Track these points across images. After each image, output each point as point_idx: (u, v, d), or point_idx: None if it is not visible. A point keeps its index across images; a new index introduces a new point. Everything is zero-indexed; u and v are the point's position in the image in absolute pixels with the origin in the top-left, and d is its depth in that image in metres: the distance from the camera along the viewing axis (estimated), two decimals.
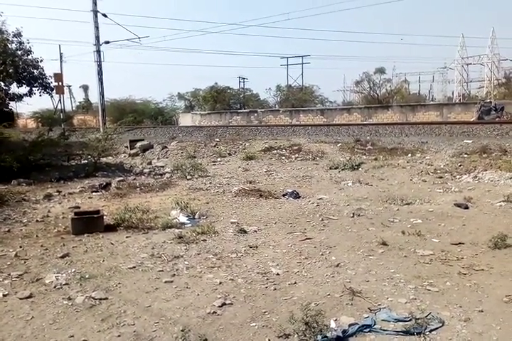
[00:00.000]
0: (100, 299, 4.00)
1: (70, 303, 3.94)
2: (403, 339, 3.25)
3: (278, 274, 4.57)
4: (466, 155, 12.08)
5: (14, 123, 31.73)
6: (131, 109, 38.86)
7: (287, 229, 6.39)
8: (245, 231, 6.24)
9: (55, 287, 4.32)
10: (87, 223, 6.40)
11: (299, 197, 8.87)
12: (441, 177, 10.25)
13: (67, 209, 8.00)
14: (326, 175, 11.55)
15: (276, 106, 45.30)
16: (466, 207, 7.43)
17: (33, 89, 19.79)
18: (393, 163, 12.24)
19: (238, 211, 7.68)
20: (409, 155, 13.22)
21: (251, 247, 5.51)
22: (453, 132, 15.75)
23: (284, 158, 14.52)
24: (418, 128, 17.14)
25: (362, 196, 8.63)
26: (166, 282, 4.41)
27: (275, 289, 4.19)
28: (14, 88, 19.32)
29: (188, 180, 11.40)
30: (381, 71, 44.32)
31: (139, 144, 17.77)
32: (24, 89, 19.52)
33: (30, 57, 18.21)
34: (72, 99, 63.14)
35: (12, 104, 24.58)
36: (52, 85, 21.97)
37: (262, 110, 34.91)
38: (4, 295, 4.15)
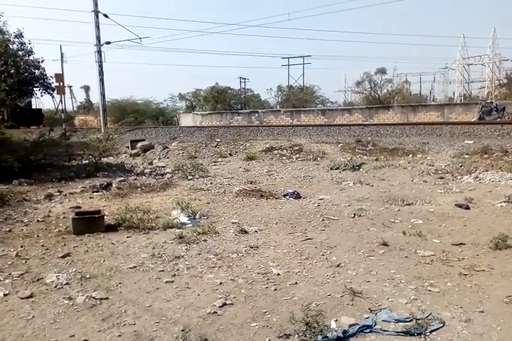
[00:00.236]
0: (101, 299, 4.00)
1: (70, 303, 3.94)
2: (404, 339, 3.25)
3: (279, 274, 4.57)
4: (467, 156, 12.07)
5: (43, 121, 31.71)
6: (132, 109, 38.91)
7: (288, 230, 6.39)
8: (246, 232, 6.24)
9: (55, 287, 4.32)
10: (88, 223, 6.40)
11: (299, 198, 8.87)
12: (442, 178, 10.24)
13: (68, 209, 8.01)
14: (326, 175, 11.54)
15: (277, 106, 45.36)
16: (467, 208, 7.43)
17: (34, 89, 19.85)
18: (394, 164, 12.23)
19: (239, 211, 7.68)
20: (410, 155, 13.21)
21: (252, 247, 5.51)
22: (454, 132, 15.73)
23: (284, 158, 14.51)
24: (419, 128, 17.12)
25: (363, 196, 8.63)
26: (166, 282, 4.41)
27: (276, 289, 4.19)
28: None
29: (188, 180, 11.40)
30: (382, 71, 44.43)
31: (140, 144, 17.77)
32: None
33: (31, 57, 18.27)
34: (73, 99, 63.37)
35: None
36: (53, 85, 22.05)
37: (263, 110, 34.91)
38: (5, 295, 4.15)
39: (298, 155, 14.75)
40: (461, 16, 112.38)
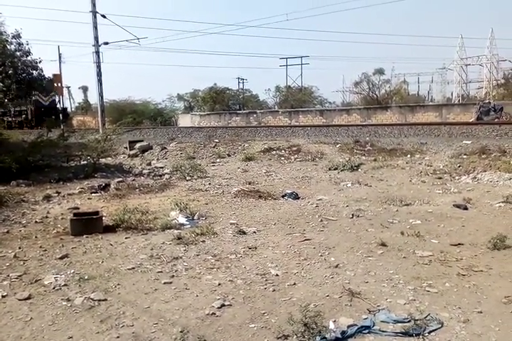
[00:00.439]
0: (99, 300, 4.00)
1: (69, 304, 3.93)
2: (402, 340, 3.25)
3: (277, 275, 4.57)
4: (465, 156, 12.09)
5: (69, 120, 31.38)
6: (130, 109, 38.88)
7: (286, 230, 6.39)
8: (244, 232, 6.24)
9: (54, 288, 4.32)
10: (86, 224, 6.39)
11: (298, 198, 8.87)
12: (440, 178, 10.25)
13: (67, 210, 7.99)
14: (325, 175, 11.54)
15: (276, 106, 45.37)
16: (466, 208, 7.43)
17: (32, 90, 19.82)
18: (392, 164, 12.24)
19: (237, 212, 7.68)
20: (409, 156, 13.22)
21: (250, 248, 5.51)
22: (452, 133, 15.76)
23: (283, 158, 14.52)
24: (417, 128, 17.15)
25: (361, 197, 8.64)
26: (165, 283, 4.41)
27: (274, 290, 4.19)
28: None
29: (187, 180, 11.39)
30: (380, 72, 44.42)
31: (138, 145, 17.75)
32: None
33: (29, 58, 18.23)
34: (72, 99, 63.30)
35: None
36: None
37: (261, 111, 34.95)
38: (3, 296, 4.14)
39: (296, 155, 14.75)
40: (458, 17, 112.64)
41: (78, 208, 8.10)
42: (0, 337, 3.40)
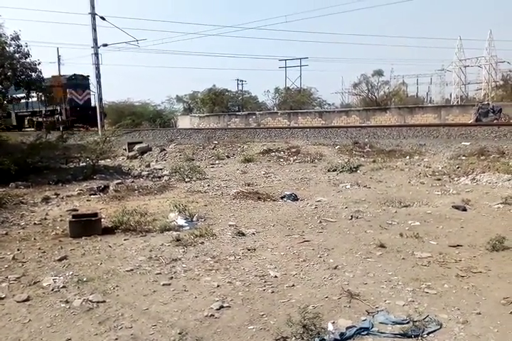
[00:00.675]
0: (98, 302, 3.99)
1: (67, 306, 3.93)
2: None
3: (276, 277, 4.57)
4: (464, 158, 12.10)
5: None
6: (129, 111, 38.83)
7: (285, 232, 6.39)
8: (243, 234, 6.24)
9: (52, 290, 4.31)
10: (85, 226, 6.39)
11: (297, 200, 8.87)
12: (439, 180, 10.25)
13: (65, 211, 7.99)
14: (324, 177, 11.54)
15: (275, 108, 45.37)
16: (464, 209, 7.44)
17: (31, 92, 19.79)
18: (391, 165, 12.25)
19: (236, 213, 7.68)
20: (408, 157, 13.22)
21: (249, 250, 5.51)
22: (451, 134, 15.77)
23: (282, 160, 14.51)
24: (416, 130, 17.14)
25: (360, 198, 8.64)
26: (163, 285, 4.41)
27: (273, 292, 4.19)
28: (12, 90, 19.39)
29: (186, 182, 11.39)
30: (379, 73, 44.59)
31: (137, 147, 17.74)
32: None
33: (28, 60, 18.21)
34: None
35: None
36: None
37: (261, 112, 34.91)
38: (1, 298, 4.14)
39: (295, 157, 14.75)
40: (457, 18, 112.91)
41: (77, 210, 8.08)
42: None
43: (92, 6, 22.95)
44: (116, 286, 4.39)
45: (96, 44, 23.49)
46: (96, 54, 23.47)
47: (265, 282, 4.44)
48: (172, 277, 4.63)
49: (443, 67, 59.80)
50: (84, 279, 4.56)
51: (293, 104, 41.87)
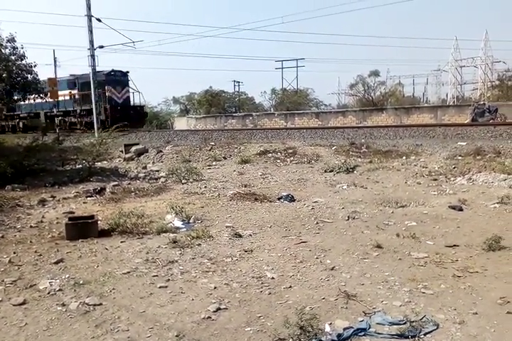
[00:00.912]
0: (94, 305, 3.98)
1: (63, 309, 3.91)
2: None
3: (273, 278, 4.57)
4: (460, 158, 12.12)
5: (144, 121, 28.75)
6: None
7: (282, 233, 6.38)
8: (240, 235, 6.23)
9: (48, 293, 4.30)
10: (82, 228, 6.37)
11: (294, 201, 8.86)
12: (435, 180, 10.27)
13: (62, 214, 7.97)
14: (321, 178, 11.55)
15: (271, 109, 45.50)
16: (461, 209, 7.46)
17: (27, 94, 19.76)
18: (388, 166, 12.26)
19: (233, 215, 7.67)
20: (404, 157, 13.24)
21: (246, 251, 5.50)
22: (447, 134, 15.80)
23: (279, 161, 14.52)
24: (412, 130, 17.17)
25: (357, 199, 8.65)
26: (160, 287, 4.40)
27: (270, 293, 4.19)
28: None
29: (183, 184, 11.37)
30: (375, 74, 44.76)
31: (133, 148, 17.70)
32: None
33: (24, 62, 18.19)
34: None
35: None
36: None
37: (257, 113, 34.94)
38: None
39: (292, 158, 14.75)
40: (453, 18, 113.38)
41: (73, 212, 8.07)
42: None
43: (88, 8, 22.92)
44: (113, 289, 4.37)
45: (92, 46, 23.45)
46: (92, 56, 23.43)
47: (262, 283, 4.43)
48: (169, 279, 4.62)
49: (439, 67, 60.10)
50: (81, 282, 4.54)
51: (290, 105, 41.96)
